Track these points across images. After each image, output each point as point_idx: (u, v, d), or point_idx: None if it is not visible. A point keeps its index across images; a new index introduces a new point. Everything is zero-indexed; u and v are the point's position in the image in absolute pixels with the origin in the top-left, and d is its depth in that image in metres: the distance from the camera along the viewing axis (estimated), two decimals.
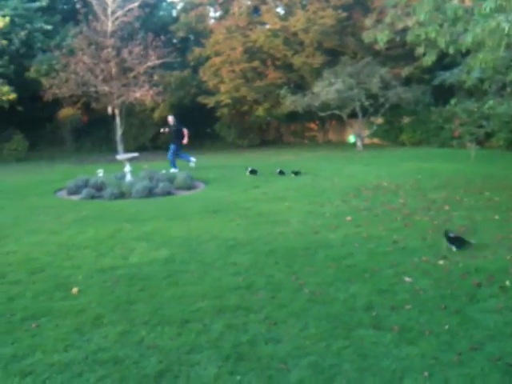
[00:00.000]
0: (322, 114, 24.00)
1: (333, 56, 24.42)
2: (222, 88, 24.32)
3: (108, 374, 3.76)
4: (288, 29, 23.74)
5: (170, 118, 17.24)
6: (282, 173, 14.90)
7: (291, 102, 22.93)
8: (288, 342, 4.16)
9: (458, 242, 6.52)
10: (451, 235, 6.58)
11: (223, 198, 11.23)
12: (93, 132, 28.71)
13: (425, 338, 4.15)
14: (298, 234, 7.68)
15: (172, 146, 16.73)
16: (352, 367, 3.75)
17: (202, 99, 25.53)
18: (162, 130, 18.13)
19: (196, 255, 6.73)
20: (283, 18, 24.67)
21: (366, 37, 12.44)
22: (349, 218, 8.60)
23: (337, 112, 23.68)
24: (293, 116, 26.65)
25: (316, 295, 5.13)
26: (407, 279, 5.50)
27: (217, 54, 25.24)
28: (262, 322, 4.57)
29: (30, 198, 11.94)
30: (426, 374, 3.63)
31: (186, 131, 16.68)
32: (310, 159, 20.06)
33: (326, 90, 21.47)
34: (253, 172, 14.99)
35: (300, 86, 25.07)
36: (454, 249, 6.46)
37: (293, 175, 14.52)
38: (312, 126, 30.82)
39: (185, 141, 16.64)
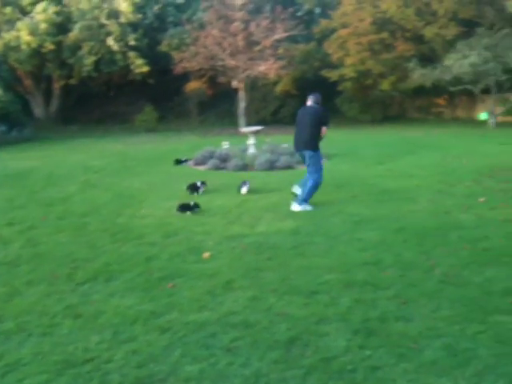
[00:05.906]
0: (452, 89, 22.65)
1: (468, 27, 22.84)
2: (348, 61, 23.78)
3: (240, 337, 3.89)
4: None
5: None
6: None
7: (420, 75, 21.97)
8: (420, 322, 4.04)
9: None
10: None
11: (346, 173, 11.08)
12: (216, 105, 29.57)
13: None
14: (428, 213, 7.38)
15: None
16: (488, 353, 3.56)
17: (325, 73, 25.18)
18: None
19: (321, 228, 6.73)
20: None
21: (511, 6, 11.48)
22: (482, 200, 8.10)
23: (468, 87, 22.26)
24: (419, 91, 25.48)
25: (449, 277, 4.91)
26: None
27: (344, 25, 24.66)
28: (391, 299, 4.47)
29: (161, 167, 12.62)
30: None
31: None
32: (439, 136, 19.14)
33: (459, 63, 20.25)
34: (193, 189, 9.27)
35: (429, 59, 23.80)
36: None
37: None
38: (439, 101, 29.20)
39: None
